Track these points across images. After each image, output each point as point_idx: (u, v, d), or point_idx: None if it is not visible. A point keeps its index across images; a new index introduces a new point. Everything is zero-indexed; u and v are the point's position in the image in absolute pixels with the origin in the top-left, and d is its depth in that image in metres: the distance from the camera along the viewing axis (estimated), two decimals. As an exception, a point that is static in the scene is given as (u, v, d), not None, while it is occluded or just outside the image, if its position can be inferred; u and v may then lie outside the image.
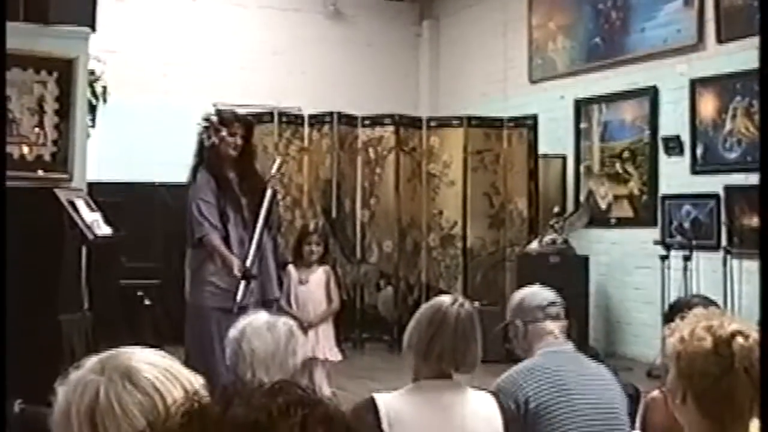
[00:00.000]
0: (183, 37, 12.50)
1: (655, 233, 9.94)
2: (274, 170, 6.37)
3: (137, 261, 9.26)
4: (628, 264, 10.45)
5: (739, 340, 2.37)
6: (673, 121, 9.90)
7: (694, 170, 9.63)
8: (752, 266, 8.17)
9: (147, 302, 9.13)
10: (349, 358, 8.71)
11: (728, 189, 9.12)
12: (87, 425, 1.70)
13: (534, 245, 10.35)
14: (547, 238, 10.24)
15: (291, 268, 7.67)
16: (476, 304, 3.60)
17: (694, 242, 9.25)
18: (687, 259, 9.07)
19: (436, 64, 14.02)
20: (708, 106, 9.46)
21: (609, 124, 10.83)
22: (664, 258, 9.34)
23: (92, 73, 9.11)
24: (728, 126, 9.22)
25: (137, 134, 11.56)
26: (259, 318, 3.33)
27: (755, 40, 6.35)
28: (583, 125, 11.18)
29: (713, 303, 4.02)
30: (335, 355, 7.50)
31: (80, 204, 6.99)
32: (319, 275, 7.58)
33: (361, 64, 13.55)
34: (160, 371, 1.74)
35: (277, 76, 12.92)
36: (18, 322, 5.80)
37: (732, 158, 9.18)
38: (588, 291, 10.08)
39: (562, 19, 11.59)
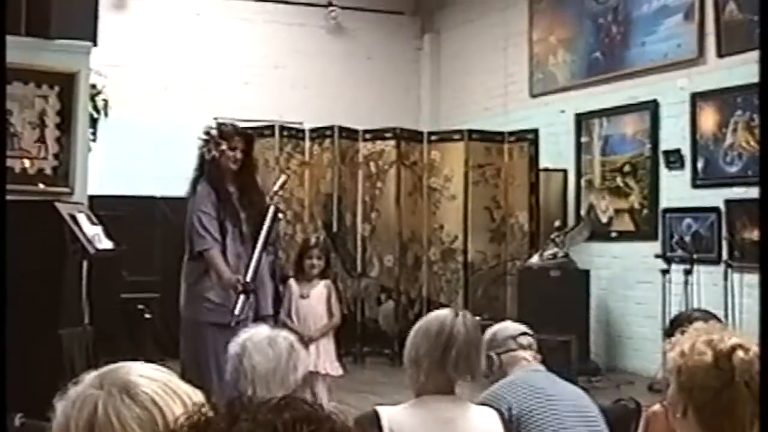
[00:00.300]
0: (184, 51, 12.52)
1: (656, 247, 9.93)
2: (276, 187, 6.36)
3: (138, 275, 9.27)
4: (629, 278, 10.44)
5: (740, 353, 2.37)
6: (674, 135, 9.90)
7: (695, 184, 9.63)
8: (753, 280, 8.16)
9: (147, 316, 9.13)
10: (350, 372, 8.69)
11: (729, 203, 9.12)
12: None
13: (535, 259, 10.35)
14: (548, 252, 10.24)
15: (292, 282, 7.67)
16: (477, 318, 3.59)
17: (695, 256, 9.25)
18: (688, 272, 9.06)
19: (437, 78, 14.04)
20: (708, 120, 9.46)
21: (610, 138, 10.83)
22: (665, 272, 9.33)
23: (93, 87, 9.12)
24: (729, 140, 9.22)
25: (138, 148, 11.57)
26: (259, 333, 3.33)
27: (755, 54, 6.36)
28: (584, 139, 11.19)
29: (715, 317, 4.03)
30: (336, 370, 7.49)
31: (81, 218, 6.99)
32: (320, 289, 7.57)
33: (363, 78, 13.57)
34: (159, 386, 1.73)
35: (279, 90, 12.94)
36: (19, 335, 5.79)
37: (733, 172, 9.18)
38: (589, 305, 10.07)
39: (562, 34, 11.61)
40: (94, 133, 9.66)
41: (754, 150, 8.79)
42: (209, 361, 5.80)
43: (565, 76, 11.58)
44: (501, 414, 3.53)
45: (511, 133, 11.22)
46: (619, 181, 10.66)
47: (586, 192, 11.16)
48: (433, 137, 11.39)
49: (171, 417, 1.67)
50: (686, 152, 9.72)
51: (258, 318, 5.99)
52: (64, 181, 7.62)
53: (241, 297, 5.77)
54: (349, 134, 11.20)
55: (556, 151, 11.40)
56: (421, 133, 11.47)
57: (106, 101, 10.09)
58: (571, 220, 11.10)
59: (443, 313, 3.48)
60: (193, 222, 6.24)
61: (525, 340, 4.02)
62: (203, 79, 12.54)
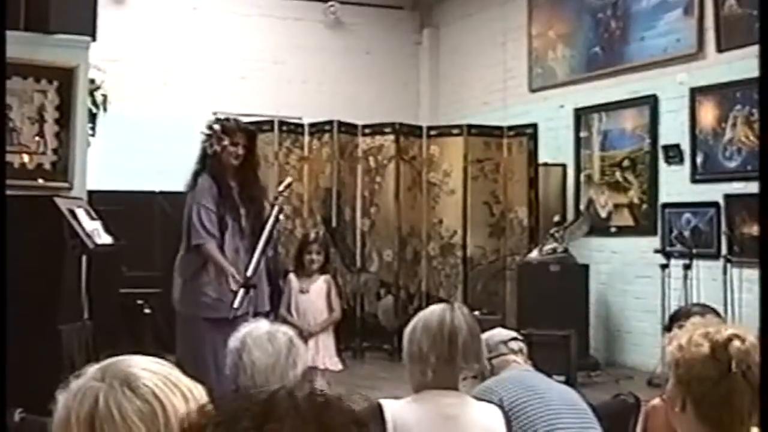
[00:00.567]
0: (183, 46, 12.52)
1: (655, 242, 9.94)
2: (281, 188, 6.36)
3: (137, 270, 9.26)
4: (628, 273, 10.45)
5: (736, 343, 2.39)
6: (673, 129, 9.90)
7: (694, 179, 9.63)
8: (753, 275, 8.17)
9: (147, 311, 9.13)
10: (350, 367, 8.70)
11: (728, 197, 9.12)
12: (83, 429, 1.69)
13: (534, 254, 10.35)
14: (548, 247, 10.24)
15: (292, 277, 7.68)
16: (476, 313, 3.61)
17: (694, 251, 9.25)
18: (687, 267, 9.06)
19: (436, 72, 14.03)
20: (708, 114, 9.46)
21: (609, 133, 10.83)
22: (664, 267, 9.33)
23: (92, 81, 9.11)
24: (728, 134, 9.22)
25: (138, 143, 11.56)
26: (259, 328, 3.32)
27: (755, 49, 6.36)
28: (583, 134, 11.19)
29: (713, 311, 4.04)
30: (335, 365, 7.50)
31: (80, 213, 6.99)
32: (319, 284, 7.58)
33: (361, 73, 13.57)
34: (160, 378, 1.73)
35: (278, 84, 12.94)
36: (18, 331, 5.79)
37: (732, 167, 9.18)
38: (588, 300, 10.07)
39: (561, 28, 11.60)
40: (93, 128, 9.65)
41: (754, 145, 8.79)
42: (207, 356, 5.79)
43: (564, 70, 11.57)
44: (502, 410, 3.53)
45: (510, 128, 11.21)
46: (618, 175, 10.66)
47: (585, 187, 11.16)
48: (432, 132, 11.38)
49: (171, 410, 1.68)
50: (685, 147, 9.73)
51: (256, 314, 5.98)
52: (63, 176, 7.62)
53: (241, 291, 5.76)
54: (348, 129, 11.19)
55: (556, 146, 11.40)
56: (420, 128, 11.46)
57: (105, 96, 10.08)
58: (570, 215, 11.10)
59: (439, 308, 3.49)
60: (192, 215, 6.24)
61: (516, 345, 4.09)
62: (202, 74, 12.54)
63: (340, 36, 13.58)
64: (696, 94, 9.59)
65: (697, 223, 9.55)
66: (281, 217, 6.25)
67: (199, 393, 1.75)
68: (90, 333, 7.06)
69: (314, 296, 7.54)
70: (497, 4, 12.71)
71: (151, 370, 1.75)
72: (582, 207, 11.13)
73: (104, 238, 7.17)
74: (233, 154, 6.32)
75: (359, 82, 13.47)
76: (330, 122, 11.12)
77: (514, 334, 4.18)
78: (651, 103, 10.20)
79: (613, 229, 10.74)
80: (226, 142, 6.30)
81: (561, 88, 11.59)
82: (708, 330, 2.44)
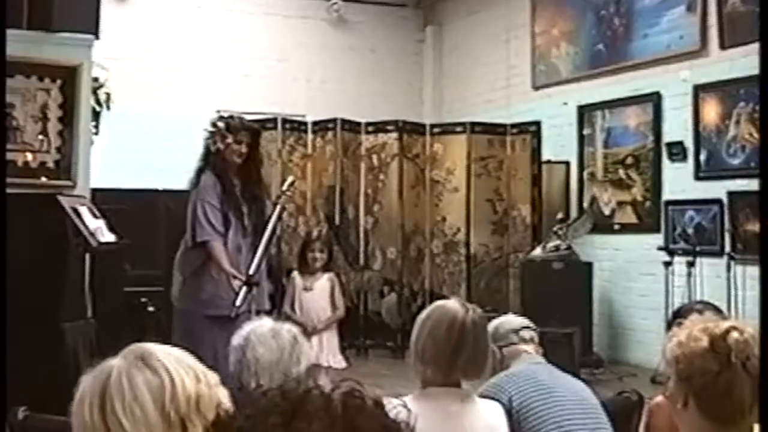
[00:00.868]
0: (187, 44, 12.52)
1: (658, 239, 9.93)
2: (285, 187, 6.36)
3: (141, 268, 9.26)
4: (631, 270, 10.44)
5: (734, 334, 2.40)
6: (677, 127, 9.90)
7: (698, 176, 9.62)
8: (756, 272, 8.15)
9: (151, 309, 9.13)
10: (353, 364, 8.69)
11: (732, 195, 9.12)
12: (97, 404, 1.74)
13: (537, 251, 10.35)
14: (551, 245, 10.24)
15: (295, 275, 7.68)
16: (480, 310, 3.57)
17: (697, 248, 9.25)
18: (691, 265, 9.06)
19: (439, 70, 14.03)
20: (711, 111, 9.45)
21: (612, 130, 10.82)
22: (667, 264, 9.33)
23: (96, 80, 9.11)
24: (732, 132, 9.21)
25: (141, 141, 11.57)
26: (263, 325, 3.33)
27: (758, 46, 6.35)
28: (586, 131, 11.18)
29: (716, 308, 4.03)
30: (339, 363, 7.50)
31: (84, 211, 6.99)
32: (323, 282, 7.58)
33: (365, 71, 13.57)
34: (175, 358, 1.79)
35: (281, 82, 12.94)
36: (21, 329, 5.79)
37: (735, 164, 9.17)
38: (591, 297, 10.07)
39: (565, 26, 11.60)
40: (96, 126, 9.65)
41: (757, 142, 8.77)
42: (206, 353, 5.78)
43: (567, 68, 11.57)
44: (504, 406, 3.53)
45: (513, 126, 11.21)
46: (621, 173, 10.66)
47: (588, 184, 11.16)
48: (436, 130, 11.38)
49: (180, 386, 1.73)
50: (689, 144, 9.72)
51: (257, 312, 5.99)
52: (67, 175, 7.62)
53: (243, 289, 5.76)
54: (352, 127, 11.19)
55: (559, 144, 11.39)
56: (423, 126, 11.46)
57: (108, 94, 10.08)
58: (573, 213, 11.10)
59: (452, 308, 3.44)
60: (197, 212, 6.24)
61: (527, 334, 4.01)
62: (205, 72, 12.54)
63: (343, 34, 13.58)
64: (699, 91, 9.59)
65: (700, 220, 9.55)
66: (284, 215, 6.26)
67: (213, 378, 1.77)
68: (93, 331, 7.06)
69: (318, 294, 7.54)
70: (500, 2, 12.71)
71: (167, 351, 1.81)
72: (585, 204, 11.12)
73: (107, 237, 7.17)
74: (237, 152, 6.32)
75: (363, 80, 13.47)
76: (333, 120, 11.12)
77: (525, 322, 4.11)
78: (654, 100, 10.20)
79: (616, 227, 10.73)
80: (229, 140, 6.30)
81: (564, 85, 11.59)
82: (707, 325, 2.46)
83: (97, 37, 7.82)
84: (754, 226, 8.68)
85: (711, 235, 9.38)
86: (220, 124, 6.37)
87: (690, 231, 9.64)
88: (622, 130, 10.68)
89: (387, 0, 13.89)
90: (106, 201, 8.20)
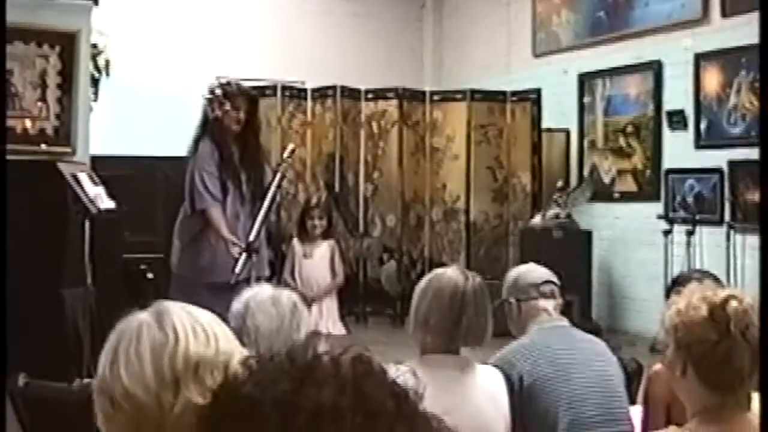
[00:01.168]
0: (187, 11, 12.46)
1: (658, 208, 9.93)
2: (286, 154, 6.35)
3: (140, 235, 9.26)
4: (631, 239, 10.45)
5: (733, 303, 2.41)
6: (677, 95, 9.87)
7: (698, 145, 9.61)
8: (755, 241, 8.15)
9: (150, 276, 9.14)
10: (353, 332, 8.72)
11: (732, 164, 9.11)
12: (110, 356, 1.76)
13: (537, 220, 10.35)
14: (551, 213, 10.24)
15: (295, 242, 7.69)
16: (479, 278, 3.57)
17: (697, 217, 9.24)
18: (690, 233, 9.06)
19: (439, 37, 13.98)
20: (712, 80, 9.43)
21: (613, 99, 10.80)
22: (667, 233, 9.33)
23: (95, 46, 9.08)
24: (732, 100, 9.19)
25: (140, 108, 11.53)
26: (263, 292, 3.32)
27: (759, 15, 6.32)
28: (586, 99, 11.16)
29: (713, 277, 4.03)
30: (339, 330, 7.53)
31: (83, 178, 6.99)
32: (323, 250, 7.59)
33: (365, 38, 13.51)
34: (190, 320, 1.78)
35: (281, 49, 12.88)
36: (21, 296, 5.80)
37: (736, 133, 9.16)
38: (591, 266, 10.07)
39: (566, -7, 11.55)
40: (95, 93, 9.63)
41: (758, 111, 8.75)
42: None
43: (568, 36, 11.52)
44: (509, 379, 3.51)
45: (513, 93, 11.18)
46: (621, 141, 10.64)
47: (588, 152, 11.15)
48: (436, 97, 11.35)
49: (183, 346, 1.73)
50: (689, 113, 9.70)
51: (257, 279, 5.99)
52: (66, 141, 7.62)
53: (243, 257, 5.76)
54: (351, 94, 11.16)
55: (559, 112, 11.37)
56: (423, 93, 11.43)
57: (107, 61, 10.05)
58: (573, 181, 11.09)
59: (453, 276, 3.45)
60: (195, 180, 6.24)
61: (548, 288, 3.92)
62: (205, 38, 12.48)
63: (343, 0, 13.51)
64: (700, 59, 9.56)
65: (700, 189, 9.54)
66: (284, 183, 6.25)
67: (228, 345, 1.78)
68: (93, 298, 7.07)
69: (318, 261, 7.56)
70: (501, -31, 12.65)
71: (186, 311, 1.81)
72: (585, 173, 11.12)
73: (107, 204, 7.17)
74: (235, 119, 6.31)
75: (362, 46, 13.42)
76: (333, 87, 11.09)
77: (546, 274, 4.00)
78: (655, 68, 10.16)
79: (616, 195, 10.73)
80: (227, 107, 6.29)
81: (565, 53, 11.55)
82: (706, 294, 2.47)
83: (96, 4, 7.79)
84: (754, 196, 8.67)
85: (711, 204, 9.37)
86: (218, 91, 6.35)
87: (690, 200, 9.63)
88: (623, 99, 10.65)
89: (387, -34, 13.81)
90: (105, 168, 8.20)
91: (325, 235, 7.68)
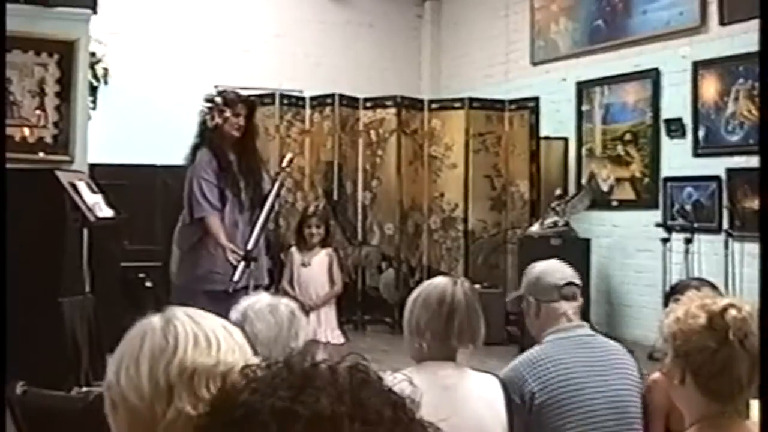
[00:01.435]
0: (185, 19, 12.47)
1: (656, 216, 9.93)
2: (284, 164, 6.36)
3: (139, 243, 9.27)
4: (629, 246, 10.45)
5: (732, 312, 2.41)
6: (676, 103, 9.88)
7: (696, 153, 9.61)
8: (754, 249, 8.16)
9: (148, 284, 9.14)
10: (351, 340, 8.70)
11: (730, 171, 9.11)
12: (117, 357, 1.77)
13: (535, 228, 10.34)
14: (549, 221, 10.23)
15: (294, 250, 7.68)
16: (477, 286, 3.57)
17: (695, 225, 9.24)
18: (688, 241, 9.06)
19: (437, 45, 13.99)
20: (710, 88, 9.44)
21: (611, 107, 10.81)
22: (665, 240, 9.33)
23: (93, 55, 9.10)
24: (730, 108, 9.20)
25: (139, 116, 11.54)
26: (261, 300, 3.32)
27: (758, 22, 6.33)
28: (585, 107, 11.16)
29: (711, 285, 4.02)
30: (337, 338, 7.51)
31: (81, 186, 6.99)
32: (321, 258, 7.58)
33: (363, 46, 13.53)
34: (194, 329, 1.77)
35: (279, 58, 12.90)
36: (19, 304, 5.80)
37: (734, 141, 9.16)
38: (589, 274, 10.04)
39: (564, 1, 11.56)
40: (94, 102, 9.65)
41: (756, 119, 8.76)
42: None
43: (566, 44, 11.54)
44: (522, 398, 3.48)
45: (512, 102, 11.19)
46: (620, 149, 10.65)
47: (586, 160, 11.15)
48: (434, 105, 11.36)
49: (181, 355, 1.72)
50: (687, 121, 9.70)
51: (255, 287, 5.99)
52: (64, 150, 7.62)
53: (241, 265, 5.76)
54: (350, 102, 11.17)
55: (557, 120, 11.38)
56: (421, 101, 11.44)
57: (106, 69, 10.08)
58: (571, 189, 11.09)
59: (441, 282, 3.48)
60: (193, 188, 6.25)
61: (569, 291, 3.79)
62: (203, 47, 12.49)
63: (342, 9, 13.53)
64: (698, 67, 9.56)
65: (698, 197, 9.55)
66: (282, 191, 6.26)
67: (233, 357, 1.76)
68: (91, 306, 7.07)
69: (316, 269, 7.54)
70: (499, -23, 12.66)
71: (194, 319, 1.80)
72: (583, 181, 11.12)
73: (105, 212, 7.18)
74: (235, 126, 6.33)
75: (361, 55, 13.44)
76: (331, 95, 11.10)
77: (569, 274, 3.84)
78: (653, 76, 10.17)
79: (614, 203, 10.73)
80: (228, 114, 6.31)
81: (563, 61, 11.56)
82: (704, 302, 2.46)
83: (95, 12, 7.80)
84: (753, 203, 8.68)
85: (709, 212, 9.38)
86: (218, 99, 6.37)
87: (688, 207, 9.64)
88: (621, 107, 10.66)
89: (385, -25, 13.83)
90: (103, 176, 8.21)
91: (324, 243, 7.67)
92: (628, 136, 10.53)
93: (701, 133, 9.55)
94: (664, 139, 10.02)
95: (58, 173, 6.97)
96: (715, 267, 8.66)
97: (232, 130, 6.33)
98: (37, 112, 7.50)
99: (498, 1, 12.69)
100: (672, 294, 3.57)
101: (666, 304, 2.67)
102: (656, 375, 3.59)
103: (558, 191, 10.52)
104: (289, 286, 7.50)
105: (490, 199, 11.04)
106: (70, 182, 6.88)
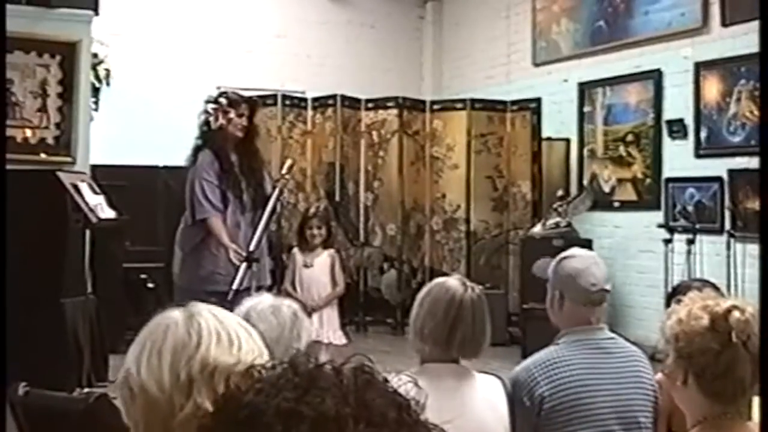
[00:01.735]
0: (187, 20, 12.47)
1: (658, 216, 9.92)
2: (284, 170, 6.36)
3: (140, 244, 9.27)
4: (631, 247, 10.44)
5: (736, 314, 2.40)
6: (677, 104, 9.87)
7: (698, 153, 9.61)
8: (756, 250, 8.15)
9: (150, 285, 9.15)
10: (353, 341, 8.71)
11: (732, 172, 9.10)
12: (137, 348, 1.79)
13: (537, 228, 10.34)
14: (551, 222, 10.23)
15: (296, 251, 7.68)
16: (480, 287, 3.54)
17: (697, 226, 9.24)
18: (690, 242, 9.06)
19: (439, 46, 13.99)
20: (712, 89, 9.43)
21: (613, 108, 10.80)
22: (667, 241, 9.32)
23: (95, 56, 9.10)
24: (732, 109, 9.19)
25: (141, 117, 11.54)
26: (263, 301, 3.32)
27: (759, 23, 6.33)
28: (586, 108, 11.16)
29: (713, 286, 4.01)
30: (339, 339, 7.50)
31: (83, 187, 7.00)
32: (323, 259, 7.58)
33: (365, 47, 13.53)
34: (216, 326, 1.79)
35: (281, 59, 12.90)
36: (21, 305, 5.80)
37: (736, 141, 9.15)
38: (591, 274, 10.05)
39: (565, 2, 11.55)
40: (96, 103, 9.65)
41: (758, 119, 8.75)
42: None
43: (568, 45, 11.53)
44: (531, 400, 3.47)
45: (513, 102, 11.19)
46: (621, 150, 10.64)
47: (588, 161, 11.15)
48: (436, 106, 11.37)
49: (203, 351, 1.75)
50: (689, 122, 9.70)
51: (258, 288, 6.00)
52: (66, 151, 7.63)
53: (243, 266, 5.77)
54: (352, 103, 11.18)
55: (559, 121, 11.38)
56: (423, 102, 11.45)
57: (108, 70, 10.08)
58: (573, 190, 11.09)
59: (452, 286, 3.42)
60: (195, 189, 6.26)
61: (598, 297, 3.66)
62: (205, 48, 12.49)
63: (343, 10, 13.53)
64: (700, 68, 9.56)
65: (700, 198, 9.54)
66: (284, 194, 6.27)
67: (251, 356, 1.79)
68: (93, 307, 7.08)
69: (318, 271, 7.54)
70: (501, -22, 12.66)
71: (217, 316, 1.82)
72: (585, 181, 11.11)
73: (107, 213, 7.18)
74: (238, 126, 6.35)
75: (363, 56, 13.43)
76: (333, 96, 11.11)
77: (603, 280, 3.69)
78: (655, 77, 10.17)
79: (616, 204, 10.73)
80: (232, 115, 6.32)
81: (565, 62, 11.55)
82: (707, 303, 2.45)
83: (97, 13, 7.81)
84: (754, 204, 8.67)
85: (711, 213, 9.37)
86: (222, 100, 6.39)
87: (690, 208, 9.63)
88: (623, 108, 10.66)
89: (387, -24, 13.83)
90: (105, 177, 8.21)
91: (326, 244, 7.67)
92: (629, 137, 10.53)
93: (703, 134, 9.54)
94: (666, 140, 10.02)
95: (60, 174, 6.98)
96: (717, 268, 8.66)
97: (236, 131, 6.35)
98: (39, 113, 7.51)
99: (500, 2, 12.69)
100: (674, 295, 3.57)
101: (668, 305, 2.66)
102: (658, 376, 3.58)
103: (560, 192, 10.52)
104: (291, 287, 7.50)
105: (492, 199, 11.04)
106: (72, 183, 6.89)
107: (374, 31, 13.68)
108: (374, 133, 11.17)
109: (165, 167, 9.99)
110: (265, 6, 13.04)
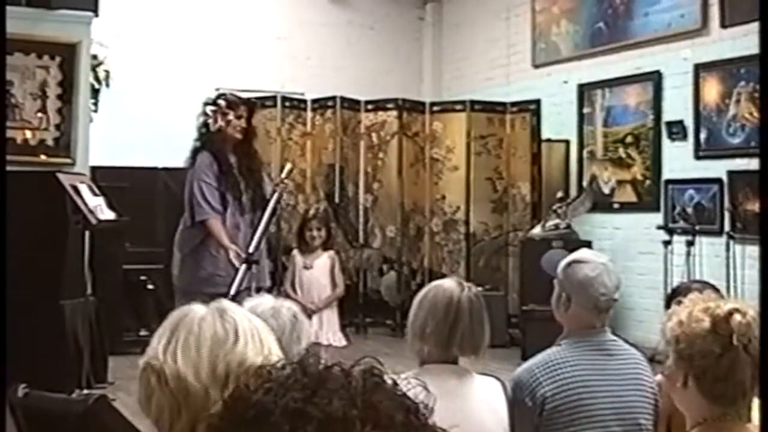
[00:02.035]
0: (186, 22, 12.47)
1: (658, 218, 9.93)
2: (284, 175, 6.37)
3: (140, 246, 9.27)
4: (631, 249, 10.44)
5: (737, 317, 2.40)
6: (677, 105, 9.87)
7: (698, 155, 9.61)
8: (755, 251, 8.16)
9: (150, 286, 9.15)
10: (353, 342, 8.71)
11: (731, 174, 9.11)
12: (166, 335, 1.84)
13: (537, 230, 10.34)
14: (550, 223, 10.23)
15: (296, 253, 7.69)
16: (479, 288, 3.55)
17: (697, 227, 9.24)
18: (690, 244, 9.06)
19: (439, 48, 13.99)
20: (712, 90, 9.43)
21: (612, 109, 10.80)
22: (667, 243, 9.32)
23: (95, 57, 9.10)
24: (732, 111, 9.19)
25: (140, 119, 11.54)
26: (263, 303, 3.32)
27: (758, 25, 6.33)
28: (586, 110, 11.16)
29: (713, 287, 4.00)
30: (339, 341, 7.52)
31: (83, 189, 7.00)
32: (323, 261, 7.60)
33: (365, 49, 13.53)
34: (250, 325, 1.85)
35: (281, 60, 12.90)
36: (21, 307, 5.80)
37: (735, 143, 9.16)
38: (591, 276, 10.05)
39: (565, 4, 11.55)
40: (95, 104, 9.65)
41: (757, 121, 8.76)
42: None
43: (567, 46, 11.54)
44: (533, 401, 3.47)
45: (513, 104, 11.19)
46: (621, 152, 10.64)
47: (588, 163, 11.15)
48: (435, 108, 11.36)
49: (241, 348, 1.81)
50: (689, 123, 9.70)
51: (257, 289, 6.00)
52: (66, 152, 7.63)
53: (243, 268, 5.77)
54: (351, 105, 11.17)
55: (559, 122, 11.38)
56: (423, 104, 11.44)
57: (107, 72, 10.08)
58: (573, 191, 11.09)
59: (449, 287, 3.44)
60: (194, 191, 6.26)
61: (606, 305, 3.64)
62: (205, 50, 12.49)
63: (343, 11, 13.53)
64: (700, 70, 9.56)
65: (700, 199, 9.54)
66: (284, 197, 6.27)
67: (275, 359, 1.80)
68: (93, 308, 7.08)
69: (318, 272, 7.56)
70: (501, -20, 12.66)
71: (248, 317, 1.89)
72: (585, 183, 11.11)
73: (107, 214, 7.18)
74: (237, 128, 6.36)
75: (362, 57, 13.43)
76: (333, 98, 11.11)
77: (613, 290, 3.65)
78: (655, 79, 10.17)
79: (616, 206, 10.73)
80: (231, 117, 6.33)
81: (564, 63, 11.55)
82: (708, 305, 2.45)
83: (96, 15, 7.81)
84: (754, 206, 8.67)
85: (710, 215, 9.37)
86: (221, 102, 6.39)
87: (689, 210, 9.63)
88: (622, 109, 10.66)
89: (387, -23, 13.83)
90: (105, 178, 8.22)
91: (325, 246, 7.69)
92: (629, 139, 10.53)
93: (702, 136, 9.54)
94: (666, 141, 10.02)
95: (60, 176, 6.98)
96: (717, 269, 8.66)
97: (235, 133, 6.35)
98: (39, 114, 7.51)
99: (499, 3, 12.69)
100: (673, 296, 3.56)
101: (667, 307, 2.66)
102: (658, 377, 3.57)
103: (559, 194, 10.52)
104: (291, 289, 7.51)
105: (491, 201, 11.04)
106: (71, 185, 6.89)
107: (374, 33, 13.68)
108: (374, 134, 11.17)
109: (164, 169, 9.99)
110: (265, 7, 13.03)
